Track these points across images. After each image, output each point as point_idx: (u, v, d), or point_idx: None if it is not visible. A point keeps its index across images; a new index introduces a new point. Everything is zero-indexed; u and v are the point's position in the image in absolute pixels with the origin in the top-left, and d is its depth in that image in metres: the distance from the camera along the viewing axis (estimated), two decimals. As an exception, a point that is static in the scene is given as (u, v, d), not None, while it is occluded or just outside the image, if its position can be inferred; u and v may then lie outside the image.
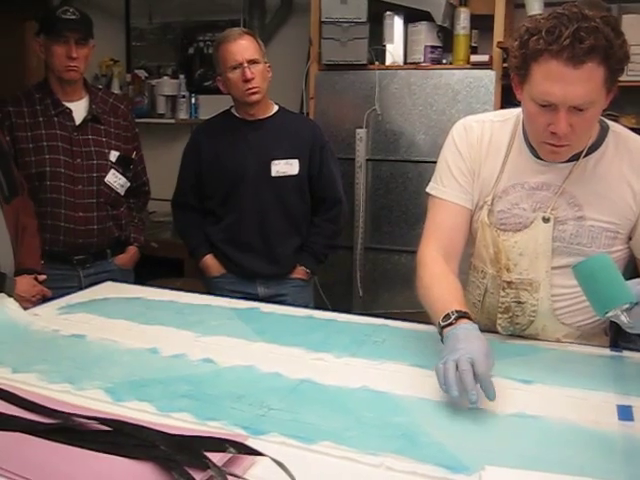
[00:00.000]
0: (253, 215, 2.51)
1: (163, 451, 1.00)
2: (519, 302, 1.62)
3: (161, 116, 4.42)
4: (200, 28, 4.45)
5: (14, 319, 1.70)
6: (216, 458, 0.98)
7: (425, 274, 1.57)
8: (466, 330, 1.34)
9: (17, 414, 1.16)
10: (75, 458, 1.03)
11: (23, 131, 2.44)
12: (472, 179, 1.64)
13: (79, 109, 2.52)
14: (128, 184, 2.61)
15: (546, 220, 1.56)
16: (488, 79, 3.20)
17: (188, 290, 2.12)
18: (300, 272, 2.60)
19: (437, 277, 1.55)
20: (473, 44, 3.35)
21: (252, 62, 2.41)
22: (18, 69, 4.44)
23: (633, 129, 1.60)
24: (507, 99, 3.09)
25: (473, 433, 1.17)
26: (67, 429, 1.10)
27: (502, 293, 1.62)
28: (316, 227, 2.61)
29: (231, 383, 1.36)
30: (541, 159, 1.55)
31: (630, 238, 1.57)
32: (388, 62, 3.39)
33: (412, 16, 3.35)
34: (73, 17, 2.39)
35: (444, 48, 3.38)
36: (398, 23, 3.37)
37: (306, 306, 2.33)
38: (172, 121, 4.40)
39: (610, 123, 1.58)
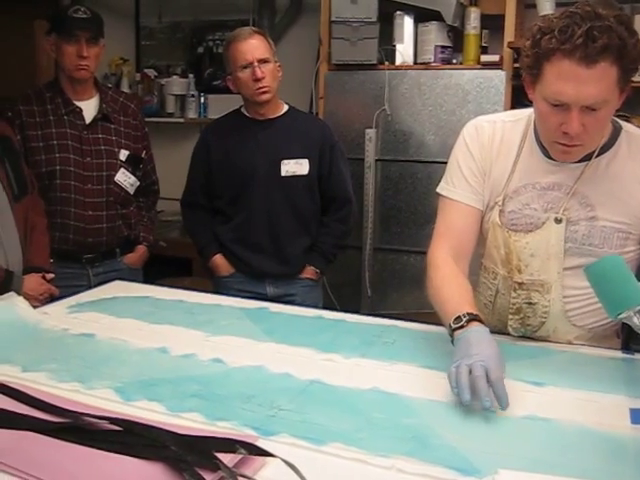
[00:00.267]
0: (262, 215, 2.51)
1: (174, 452, 0.99)
2: (530, 303, 1.61)
3: (170, 115, 4.43)
4: (209, 27, 4.45)
5: (24, 318, 1.70)
6: (226, 459, 0.98)
7: (435, 275, 1.57)
8: (478, 334, 1.33)
9: (27, 413, 1.16)
10: (85, 458, 1.03)
11: (33, 130, 2.45)
12: (483, 179, 1.63)
13: (89, 108, 2.52)
14: (138, 183, 2.61)
15: (558, 221, 1.55)
16: (498, 79, 3.18)
17: (196, 289, 2.11)
18: (309, 272, 2.60)
19: (447, 278, 1.54)
20: (483, 44, 3.34)
21: (262, 61, 2.41)
22: (28, 68, 4.45)
23: (646, 130, 1.59)
24: (517, 99, 3.07)
25: (484, 435, 1.16)
26: (77, 428, 1.09)
27: (513, 294, 1.62)
28: (325, 227, 2.60)
29: (241, 383, 1.35)
30: (552, 159, 1.54)
31: (642, 239, 1.56)
32: (398, 62, 3.38)
33: (422, 16, 3.34)
34: (84, 16, 2.40)
35: (454, 48, 3.37)
36: (408, 23, 3.36)
37: (315, 306, 2.32)
38: (181, 120, 4.40)
39: (623, 123, 1.57)
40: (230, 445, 1.00)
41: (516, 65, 3.09)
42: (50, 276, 2.19)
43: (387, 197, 3.44)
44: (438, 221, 1.67)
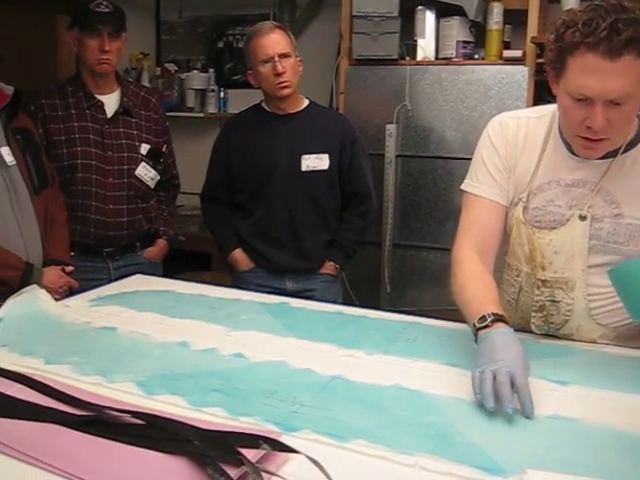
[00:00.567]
0: (283, 210, 2.50)
1: (197, 446, 0.99)
2: (554, 301, 1.59)
3: (190, 110, 4.43)
4: (230, 22, 4.45)
5: (46, 310, 1.71)
6: (249, 454, 0.97)
7: (460, 272, 1.55)
8: (503, 335, 1.32)
9: (51, 405, 1.16)
10: (108, 451, 1.03)
11: (55, 123, 2.46)
12: (507, 175, 1.61)
13: (111, 102, 2.53)
14: (158, 177, 2.62)
15: (583, 218, 1.53)
16: (521, 75, 3.15)
17: (215, 284, 2.11)
18: (329, 267, 2.59)
19: (472, 275, 1.53)
20: (506, 39, 3.30)
21: (283, 56, 2.40)
22: (49, 63, 4.47)
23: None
24: (540, 95, 3.05)
25: (508, 434, 1.15)
26: (100, 421, 1.10)
27: (537, 292, 1.60)
28: (346, 222, 2.59)
29: (262, 378, 1.35)
30: (577, 156, 1.52)
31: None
32: (419, 57, 3.35)
33: (444, 11, 3.31)
34: (106, 10, 2.40)
35: (476, 43, 3.34)
36: (430, 18, 3.33)
37: (334, 301, 2.32)
38: (201, 115, 4.40)
39: (650, 119, 1.55)
40: (254, 440, 1.00)
41: (539, 61, 3.06)
42: (69, 269, 2.20)
43: (407, 193, 3.42)
44: (462, 218, 1.65)
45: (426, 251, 3.40)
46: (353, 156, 2.55)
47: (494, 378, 1.21)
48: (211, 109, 4.40)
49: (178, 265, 2.96)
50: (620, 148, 1.49)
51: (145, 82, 4.40)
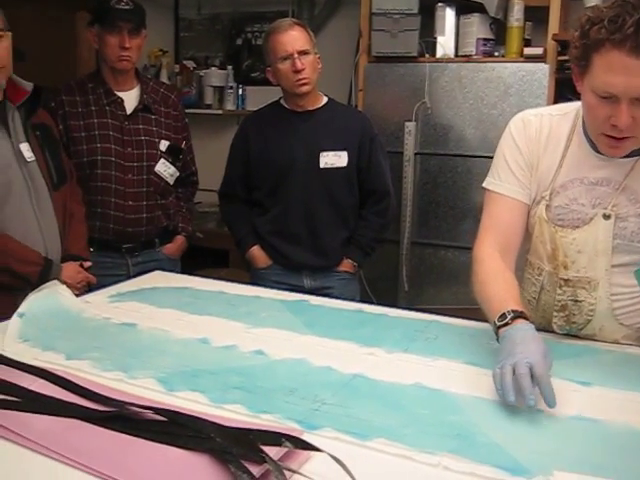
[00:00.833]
0: (301, 207, 2.50)
1: (219, 443, 0.99)
2: (576, 300, 1.57)
3: (209, 107, 4.44)
4: (248, 19, 4.45)
5: (67, 306, 1.71)
6: (271, 452, 0.97)
7: (481, 270, 1.54)
8: (523, 331, 1.30)
9: (73, 401, 1.16)
10: (130, 447, 1.04)
11: (76, 120, 2.47)
12: (530, 173, 1.59)
13: (130, 98, 2.54)
14: (177, 174, 2.63)
15: (607, 217, 1.51)
16: (541, 73, 3.12)
17: (232, 280, 2.11)
18: (347, 265, 2.58)
19: (493, 274, 1.51)
20: (526, 36, 3.28)
21: (302, 53, 2.39)
22: (69, 59, 4.50)
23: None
24: (561, 93, 3.02)
25: (531, 435, 1.13)
26: (122, 417, 1.10)
27: (559, 291, 1.58)
28: (364, 220, 2.58)
29: (283, 376, 1.34)
30: (601, 154, 1.50)
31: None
32: (439, 55, 3.34)
33: (464, 8, 3.30)
34: (126, 7, 2.41)
35: (496, 41, 3.32)
36: (450, 15, 3.32)
37: (352, 299, 2.31)
38: (219, 112, 4.41)
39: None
40: (276, 438, 1.00)
41: (560, 58, 3.04)
42: (88, 264, 2.21)
43: (426, 191, 3.41)
44: (484, 216, 1.64)
45: (444, 249, 3.39)
46: (372, 153, 2.54)
47: (513, 372, 1.20)
48: (229, 106, 4.41)
49: (196, 262, 2.97)
50: (644, 147, 1.47)
51: (164, 79, 4.42)
